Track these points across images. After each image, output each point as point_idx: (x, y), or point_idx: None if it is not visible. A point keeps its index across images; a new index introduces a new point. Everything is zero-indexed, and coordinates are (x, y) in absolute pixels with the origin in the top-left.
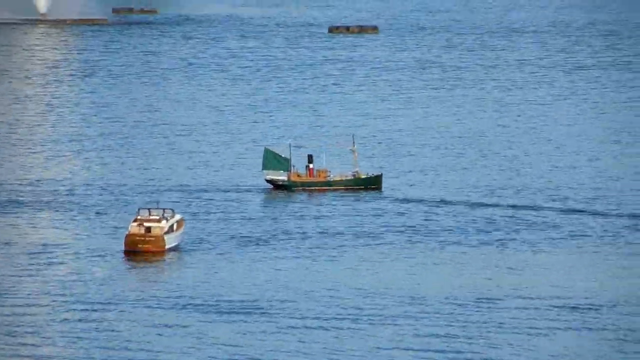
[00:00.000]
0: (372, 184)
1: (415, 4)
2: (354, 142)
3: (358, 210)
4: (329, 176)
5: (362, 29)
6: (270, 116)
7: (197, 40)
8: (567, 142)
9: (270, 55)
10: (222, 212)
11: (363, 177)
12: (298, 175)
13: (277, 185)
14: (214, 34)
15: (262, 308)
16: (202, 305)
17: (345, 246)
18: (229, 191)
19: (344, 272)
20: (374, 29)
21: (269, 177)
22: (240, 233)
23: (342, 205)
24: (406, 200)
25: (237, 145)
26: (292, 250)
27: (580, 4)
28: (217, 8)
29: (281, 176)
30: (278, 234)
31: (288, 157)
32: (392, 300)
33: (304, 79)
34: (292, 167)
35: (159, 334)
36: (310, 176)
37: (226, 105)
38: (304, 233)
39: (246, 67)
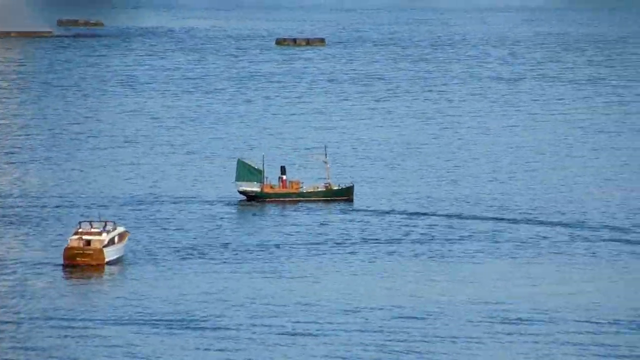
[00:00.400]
0: (344, 195)
1: (362, 17)
2: (325, 154)
3: (318, 221)
4: (301, 187)
5: (309, 42)
6: (214, 128)
7: (140, 52)
8: (507, 153)
9: (216, 67)
10: (170, 224)
11: (335, 188)
12: (271, 187)
13: (250, 197)
14: (159, 47)
15: (196, 321)
16: (133, 319)
17: (295, 257)
18: (189, 202)
19: (287, 284)
20: (321, 41)
21: (242, 188)
22: (189, 245)
23: (306, 215)
24: (373, 212)
25: (181, 156)
26: (236, 263)
27: (525, 17)
28: (163, 21)
29: (254, 187)
30: (229, 245)
31: (261, 168)
32: (328, 311)
33: (253, 90)
34: (265, 179)
35: (95, 347)
36: (283, 187)
37: (169, 117)
38: (255, 245)
39: (190, 79)
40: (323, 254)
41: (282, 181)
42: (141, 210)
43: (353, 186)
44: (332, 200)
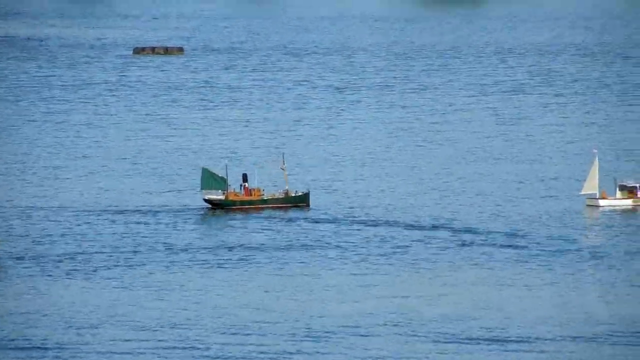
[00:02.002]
0: (301, 201)
1: (223, 26)
2: (283, 161)
3: (278, 228)
4: (263, 194)
5: (167, 51)
6: (79, 135)
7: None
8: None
9: (76, 76)
10: (38, 233)
11: (292, 195)
12: (235, 194)
13: (215, 204)
14: (15, 56)
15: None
16: None
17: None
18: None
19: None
20: (180, 50)
21: (207, 196)
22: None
23: (268, 223)
24: (327, 217)
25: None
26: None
27: (371, 26)
28: (16, 30)
29: (218, 195)
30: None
31: (225, 176)
32: (213, 324)
33: (113, 99)
34: (228, 187)
35: None
36: (246, 195)
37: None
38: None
39: (45, 87)
40: (260, 262)
41: (245, 189)
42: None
43: (309, 192)
44: (290, 206)
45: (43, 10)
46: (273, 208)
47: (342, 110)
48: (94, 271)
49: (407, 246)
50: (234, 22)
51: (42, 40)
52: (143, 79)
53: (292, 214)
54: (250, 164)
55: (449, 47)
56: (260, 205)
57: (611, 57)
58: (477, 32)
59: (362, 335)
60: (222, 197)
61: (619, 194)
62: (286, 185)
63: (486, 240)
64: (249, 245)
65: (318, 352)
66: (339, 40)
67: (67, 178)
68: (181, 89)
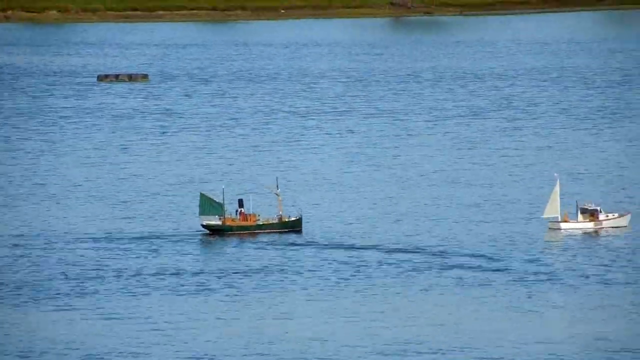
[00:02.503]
0: (295, 226)
1: (187, 53)
2: (277, 186)
3: (273, 254)
4: (258, 220)
5: (131, 78)
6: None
7: None
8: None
9: (42, 104)
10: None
11: (286, 220)
12: (232, 220)
13: (213, 230)
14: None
15: None
16: None
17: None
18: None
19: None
20: (144, 77)
21: (205, 222)
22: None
23: (260, 248)
24: (319, 243)
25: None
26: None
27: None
28: None
29: (216, 221)
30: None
31: (221, 202)
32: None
33: (76, 127)
34: (225, 212)
35: None
36: (242, 220)
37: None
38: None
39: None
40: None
41: (241, 214)
42: None
43: (301, 218)
44: (284, 231)
45: (2, 38)
46: (267, 233)
47: (301, 135)
48: (83, 298)
49: (367, 268)
50: (198, 49)
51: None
52: (104, 106)
53: (284, 238)
54: (243, 189)
55: (409, 72)
56: (255, 231)
57: (570, 81)
58: (441, 58)
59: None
60: (219, 222)
61: (580, 217)
62: (280, 210)
63: (448, 262)
64: (245, 270)
65: None
66: (298, 66)
67: (34, 205)
68: (144, 115)
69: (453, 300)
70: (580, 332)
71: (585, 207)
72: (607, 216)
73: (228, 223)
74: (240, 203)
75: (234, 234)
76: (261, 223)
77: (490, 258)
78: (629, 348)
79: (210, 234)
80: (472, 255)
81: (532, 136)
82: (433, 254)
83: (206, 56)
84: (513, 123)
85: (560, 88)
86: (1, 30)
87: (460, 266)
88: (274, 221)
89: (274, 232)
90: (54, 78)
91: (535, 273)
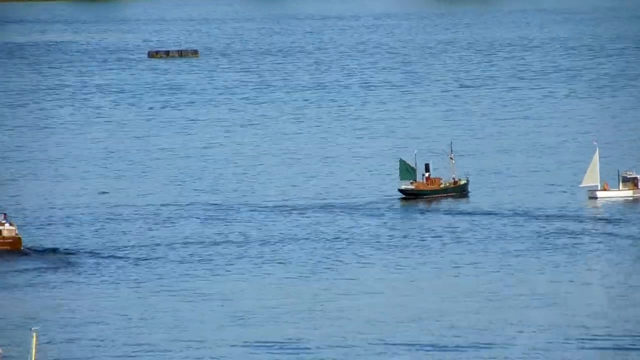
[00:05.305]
0: (465, 189)
1: (233, 29)
2: (451, 150)
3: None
4: (442, 184)
5: (182, 54)
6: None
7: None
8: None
9: (94, 81)
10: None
11: (462, 183)
12: (424, 184)
13: (408, 194)
14: (40, 60)
15: None
16: None
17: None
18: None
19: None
20: (195, 52)
21: (403, 186)
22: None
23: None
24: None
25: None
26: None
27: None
28: (25, 37)
29: (409, 185)
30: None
31: (415, 167)
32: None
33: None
34: (417, 177)
35: None
36: (429, 184)
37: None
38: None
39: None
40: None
41: (427, 179)
42: None
43: (468, 181)
44: (457, 195)
45: (54, 17)
46: (449, 197)
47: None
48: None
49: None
50: (249, 24)
51: (50, 46)
52: (159, 81)
53: (461, 202)
54: (426, 153)
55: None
56: (442, 195)
57: (608, 51)
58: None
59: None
60: (412, 187)
61: (621, 185)
62: (453, 173)
63: (489, 228)
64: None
65: None
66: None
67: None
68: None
69: (486, 268)
70: (616, 300)
71: (626, 175)
72: None
73: (422, 187)
74: (427, 168)
75: (429, 197)
76: (445, 187)
77: (528, 224)
78: None
79: (405, 199)
80: (506, 224)
81: (572, 105)
82: (470, 221)
83: (250, 32)
84: (549, 92)
85: (603, 56)
86: (51, 10)
87: (488, 236)
88: (451, 184)
89: (450, 195)
90: (109, 55)
91: (575, 244)
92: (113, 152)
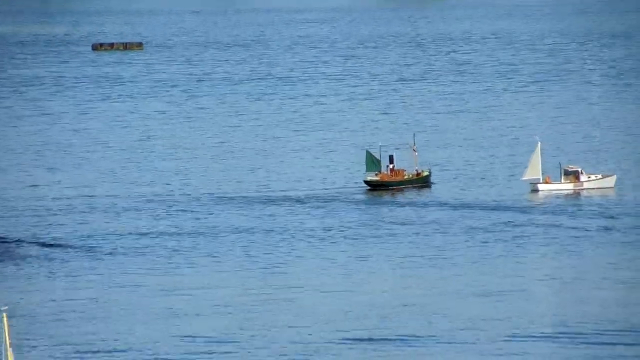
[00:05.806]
0: (428, 181)
1: (179, 22)
2: (414, 142)
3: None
4: (406, 175)
5: (126, 46)
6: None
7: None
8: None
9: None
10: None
11: (424, 174)
12: (388, 176)
13: (373, 186)
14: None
15: None
16: None
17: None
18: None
19: None
20: (139, 45)
21: (368, 178)
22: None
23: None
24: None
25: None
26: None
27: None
28: None
29: (374, 177)
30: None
31: (379, 158)
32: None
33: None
34: (381, 168)
35: None
36: (393, 176)
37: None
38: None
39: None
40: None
41: (391, 170)
42: None
43: (430, 172)
44: (421, 186)
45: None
46: (413, 188)
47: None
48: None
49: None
50: (195, 17)
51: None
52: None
53: (428, 193)
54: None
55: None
56: (405, 186)
57: (543, 45)
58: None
59: None
60: (377, 178)
61: (563, 178)
62: (416, 165)
63: (436, 222)
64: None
65: None
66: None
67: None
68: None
69: (433, 260)
70: (558, 293)
71: (568, 168)
72: (589, 177)
73: (387, 179)
74: (391, 159)
75: (388, 189)
76: (408, 178)
77: (470, 217)
78: (610, 312)
79: (371, 189)
80: (449, 218)
81: (511, 100)
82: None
83: (190, 27)
84: (495, 85)
85: (545, 51)
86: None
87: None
88: (414, 177)
89: (414, 186)
90: (52, 47)
91: (514, 236)
92: (48, 145)
